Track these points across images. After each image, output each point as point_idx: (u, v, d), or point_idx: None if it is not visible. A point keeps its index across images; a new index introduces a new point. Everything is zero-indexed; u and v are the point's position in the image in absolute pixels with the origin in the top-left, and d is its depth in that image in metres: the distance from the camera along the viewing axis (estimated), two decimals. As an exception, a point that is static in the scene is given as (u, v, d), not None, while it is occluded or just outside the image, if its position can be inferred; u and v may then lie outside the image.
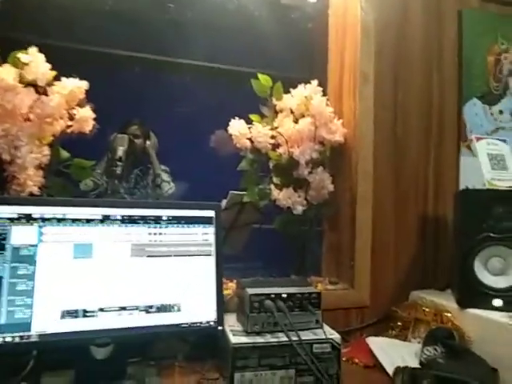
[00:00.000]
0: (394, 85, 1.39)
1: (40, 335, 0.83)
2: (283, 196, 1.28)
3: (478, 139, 1.26)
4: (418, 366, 1.01)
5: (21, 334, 0.82)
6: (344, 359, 1.06)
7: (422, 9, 1.43)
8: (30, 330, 0.82)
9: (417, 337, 1.19)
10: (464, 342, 1.07)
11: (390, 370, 0.99)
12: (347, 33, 1.41)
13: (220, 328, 0.96)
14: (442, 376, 0.91)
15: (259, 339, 0.94)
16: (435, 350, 1.05)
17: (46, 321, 0.84)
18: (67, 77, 1.12)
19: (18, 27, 1.80)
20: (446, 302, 1.18)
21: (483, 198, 1.13)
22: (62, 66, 1.13)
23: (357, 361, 1.09)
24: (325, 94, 1.36)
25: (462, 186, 1.39)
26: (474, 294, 1.10)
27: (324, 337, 0.96)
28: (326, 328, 1.01)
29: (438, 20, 1.45)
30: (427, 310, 1.21)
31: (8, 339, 0.81)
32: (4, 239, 0.84)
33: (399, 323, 1.26)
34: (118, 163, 1.69)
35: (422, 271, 1.38)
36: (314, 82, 1.32)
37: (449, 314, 1.14)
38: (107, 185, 1.88)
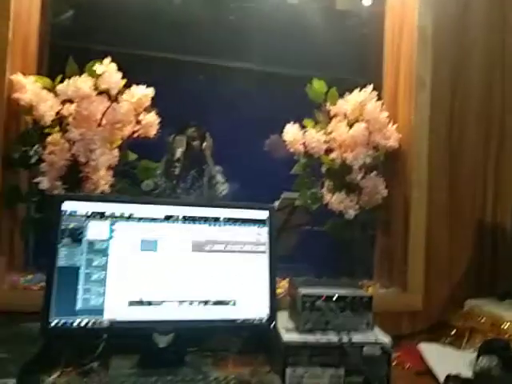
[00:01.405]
0: (451, 91, 1.37)
1: (110, 321, 0.92)
2: (335, 200, 1.30)
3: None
4: (470, 377, 0.99)
5: (94, 319, 0.91)
6: (394, 363, 1.06)
7: (483, 13, 1.39)
8: (102, 316, 0.91)
9: (471, 346, 1.17)
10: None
11: (442, 378, 0.98)
12: (403, 37, 1.40)
13: (272, 325, 1.01)
14: (496, 386, 0.89)
15: (310, 338, 0.97)
16: (490, 360, 1.03)
17: (115, 308, 0.93)
18: (129, 80, 1.20)
19: (85, 37, 1.95)
20: (505, 312, 1.15)
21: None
22: (128, 72, 1.22)
23: (407, 366, 1.09)
24: (380, 98, 1.36)
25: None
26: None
27: (374, 339, 0.97)
28: (377, 331, 1.02)
29: (502, 25, 1.41)
30: (484, 319, 1.18)
31: (83, 323, 0.91)
32: (81, 233, 0.94)
33: (453, 331, 1.24)
34: (177, 164, 1.79)
35: (478, 279, 1.35)
36: (369, 87, 1.33)
37: (507, 325, 1.11)
38: (165, 185, 1.99)
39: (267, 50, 2.09)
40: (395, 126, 1.35)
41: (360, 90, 1.34)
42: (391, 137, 1.34)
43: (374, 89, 1.34)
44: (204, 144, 2.19)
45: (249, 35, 2.07)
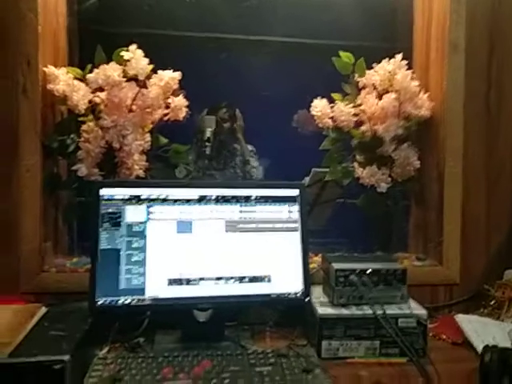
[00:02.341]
0: (488, 54, 1.30)
1: (152, 299, 0.97)
2: (367, 174, 1.28)
3: None
4: (510, 346, 0.99)
5: (137, 297, 0.96)
6: (431, 334, 1.07)
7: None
8: (144, 295, 0.96)
9: (511, 316, 1.16)
10: None
11: (480, 348, 0.98)
12: (435, -1, 1.34)
13: (307, 299, 1.03)
14: (536, 356, 0.88)
15: (345, 311, 0.99)
16: (530, 330, 1.01)
17: (156, 287, 0.97)
18: (154, 63, 1.20)
19: (111, 22, 1.96)
20: (546, 281, 1.12)
21: None
22: (155, 54, 1.22)
23: (444, 337, 1.09)
24: (410, 65, 1.31)
25: None
26: None
27: (409, 311, 0.98)
28: (412, 303, 1.03)
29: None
30: (523, 289, 1.16)
31: (127, 301, 0.96)
32: (119, 217, 0.98)
33: (492, 302, 1.22)
34: (207, 144, 1.81)
35: (517, 249, 1.32)
36: (398, 56, 1.28)
37: (548, 295, 1.09)
38: (198, 172, 2.02)
39: (290, 21, 2.04)
40: (427, 94, 1.31)
41: (389, 59, 1.29)
42: (423, 106, 1.30)
43: (404, 56, 1.29)
44: (235, 124, 2.20)
45: (271, 6, 2.02)
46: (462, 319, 1.14)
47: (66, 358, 0.75)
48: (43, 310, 0.94)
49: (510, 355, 0.90)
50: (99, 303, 0.94)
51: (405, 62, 1.28)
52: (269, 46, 2.24)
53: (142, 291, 0.97)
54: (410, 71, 1.28)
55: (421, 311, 1.00)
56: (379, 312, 0.95)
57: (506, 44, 1.31)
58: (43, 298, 1.05)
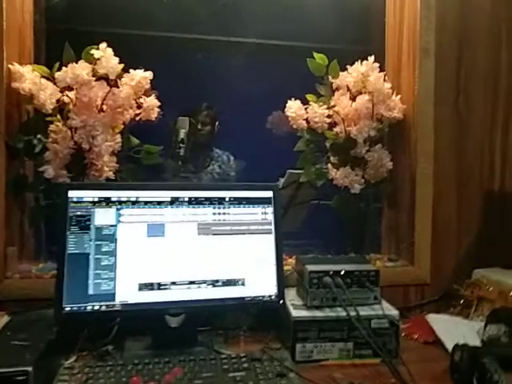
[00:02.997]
0: (457, 59, 1.33)
1: (122, 305, 0.94)
2: (340, 175, 1.29)
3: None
4: (479, 345, 1.01)
5: (106, 303, 0.93)
6: (403, 334, 1.08)
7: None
8: (114, 300, 0.93)
9: (480, 315, 1.18)
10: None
11: (450, 347, 0.99)
12: (406, 4, 1.35)
13: (281, 302, 1.02)
14: (503, 355, 0.90)
15: (318, 313, 0.99)
16: (499, 329, 1.04)
17: (126, 292, 0.94)
18: (124, 63, 1.17)
19: (80, 20, 1.91)
20: (513, 280, 1.15)
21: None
22: (124, 53, 1.19)
23: (416, 337, 1.10)
24: (382, 68, 1.33)
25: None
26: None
27: (382, 312, 0.99)
28: (385, 304, 1.03)
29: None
30: (491, 288, 1.19)
31: (96, 307, 0.93)
32: (89, 220, 0.95)
33: (461, 301, 1.25)
34: (181, 145, 1.78)
35: (485, 249, 1.35)
36: (371, 58, 1.29)
37: (515, 294, 1.12)
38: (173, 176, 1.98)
39: (265, 23, 2.04)
40: (399, 96, 1.33)
41: (362, 61, 1.31)
42: (395, 108, 1.32)
43: (377, 59, 1.30)
44: (216, 127, 2.17)
45: (246, 8, 2.02)
46: (433, 319, 1.16)
47: (29, 368, 0.71)
48: (5, 318, 0.90)
49: (480, 353, 0.91)
50: (66, 310, 0.90)
51: (377, 64, 1.29)
52: (244, 47, 2.23)
53: (111, 296, 0.94)
54: (382, 73, 1.29)
55: (393, 312, 1.01)
56: (353, 314, 0.95)
57: (474, 52, 1.35)
58: (6, 305, 1.00)
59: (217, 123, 2.17)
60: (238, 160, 2.19)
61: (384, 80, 1.30)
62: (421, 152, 1.30)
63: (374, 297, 1.03)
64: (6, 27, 1.10)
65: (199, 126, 2.10)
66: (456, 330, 1.10)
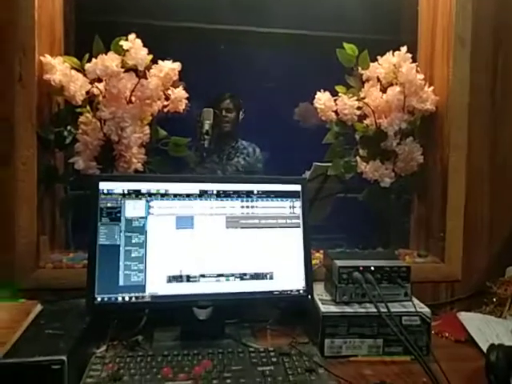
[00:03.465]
0: (493, 48, 1.28)
1: (152, 296, 0.94)
2: (370, 169, 1.26)
3: None
4: (514, 345, 0.98)
5: (136, 294, 0.94)
6: (433, 332, 1.05)
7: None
8: (144, 292, 0.94)
9: (513, 314, 1.15)
10: None
11: (484, 346, 0.96)
12: (441, -9, 1.31)
13: (309, 297, 1.01)
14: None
15: (348, 309, 0.97)
16: (534, 328, 1.00)
17: (156, 284, 0.95)
18: (154, 54, 1.17)
19: (109, 11, 1.92)
20: (549, 279, 1.11)
21: None
22: (153, 45, 1.19)
23: (447, 335, 1.08)
24: (414, 58, 1.29)
25: None
26: None
27: (413, 309, 0.97)
28: (416, 301, 1.01)
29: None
30: (526, 286, 1.15)
31: (126, 298, 0.94)
32: (119, 212, 0.96)
33: (494, 299, 1.21)
34: (206, 137, 1.78)
35: (521, 246, 1.30)
36: (403, 49, 1.26)
37: (551, 292, 1.08)
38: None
39: (295, 12, 2.01)
40: (432, 88, 1.29)
41: (393, 52, 1.27)
42: (428, 100, 1.27)
43: (409, 49, 1.26)
44: (241, 113, 2.15)
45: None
46: (465, 317, 1.13)
47: (64, 357, 0.72)
48: (39, 307, 0.92)
49: (516, 354, 0.89)
50: (98, 300, 0.92)
51: (409, 54, 1.25)
52: (271, 38, 2.20)
53: (141, 288, 0.94)
54: (414, 64, 1.25)
55: (425, 309, 0.99)
56: (383, 310, 0.94)
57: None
58: (39, 294, 1.02)
59: (242, 111, 2.15)
60: (263, 152, 2.17)
61: (416, 71, 1.26)
62: (454, 145, 1.26)
63: (405, 293, 1.01)
64: (37, 18, 1.10)
65: (223, 113, 2.10)
66: (489, 329, 1.07)
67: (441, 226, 1.29)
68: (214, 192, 1.01)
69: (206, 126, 1.76)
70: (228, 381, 0.79)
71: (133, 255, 0.95)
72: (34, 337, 0.81)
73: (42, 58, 1.12)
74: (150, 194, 0.98)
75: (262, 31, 2.21)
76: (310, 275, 1.02)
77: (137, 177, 1.11)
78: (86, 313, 0.92)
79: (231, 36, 2.24)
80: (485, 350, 0.94)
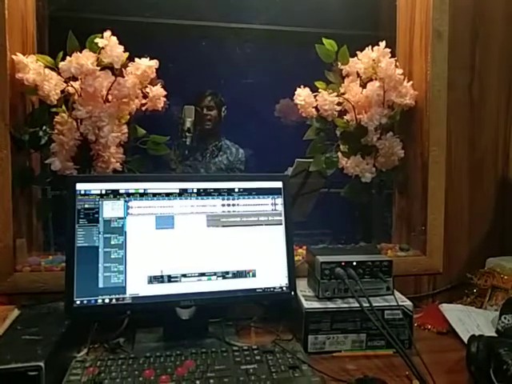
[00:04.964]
0: (471, 43, 1.29)
1: (133, 297, 0.93)
2: (351, 164, 1.27)
3: None
4: (495, 335, 0.99)
5: (117, 296, 0.92)
6: (416, 325, 1.07)
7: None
8: (124, 293, 0.93)
9: (494, 305, 1.16)
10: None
11: (465, 337, 0.98)
12: (418, -15, 1.31)
13: (293, 293, 1.01)
14: (520, 345, 0.88)
15: (330, 305, 0.97)
16: (514, 318, 1.02)
17: (137, 285, 0.93)
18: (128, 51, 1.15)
19: (83, 8, 1.87)
20: (528, 269, 1.13)
21: None
22: (131, 42, 1.17)
23: (429, 327, 1.09)
24: (393, 53, 1.29)
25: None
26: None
27: (395, 303, 0.97)
28: (398, 295, 1.02)
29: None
30: (506, 277, 1.17)
31: (106, 300, 0.92)
32: (97, 213, 0.94)
33: (475, 290, 1.23)
34: (187, 134, 1.76)
35: (499, 238, 1.33)
36: (382, 44, 1.26)
37: (530, 282, 1.10)
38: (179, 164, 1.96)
39: (272, 8, 1.99)
40: (411, 82, 1.29)
41: (373, 47, 1.27)
42: (407, 94, 1.28)
43: (387, 44, 1.26)
44: (222, 111, 2.13)
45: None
46: (446, 308, 1.15)
47: (41, 363, 0.71)
48: (15, 312, 0.90)
49: (496, 344, 0.90)
50: (77, 303, 0.90)
51: (388, 49, 1.26)
52: (250, 34, 2.18)
53: (122, 290, 0.93)
54: (393, 59, 1.26)
55: (406, 302, 1.00)
56: (365, 305, 0.94)
57: (490, 32, 1.31)
58: (17, 299, 0.99)
59: (224, 107, 2.13)
60: (244, 149, 2.16)
61: (395, 66, 1.26)
62: (433, 139, 1.27)
63: (387, 287, 1.01)
64: (8, 15, 1.07)
65: (204, 111, 2.08)
66: (470, 320, 1.08)
67: (422, 220, 1.31)
68: (195, 190, 1.00)
69: (188, 124, 1.75)
70: (211, 381, 0.78)
71: (112, 256, 0.93)
72: (11, 343, 0.79)
73: (13, 56, 1.09)
74: (128, 194, 0.96)
75: (243, 27, 2.19)
76: (293, 272, 1.02)
77: (114, 177, 1.09)
78: (65, 317, 0.90)
79: (212, 32, 2.21)
80: (466, 340, 0.96)
